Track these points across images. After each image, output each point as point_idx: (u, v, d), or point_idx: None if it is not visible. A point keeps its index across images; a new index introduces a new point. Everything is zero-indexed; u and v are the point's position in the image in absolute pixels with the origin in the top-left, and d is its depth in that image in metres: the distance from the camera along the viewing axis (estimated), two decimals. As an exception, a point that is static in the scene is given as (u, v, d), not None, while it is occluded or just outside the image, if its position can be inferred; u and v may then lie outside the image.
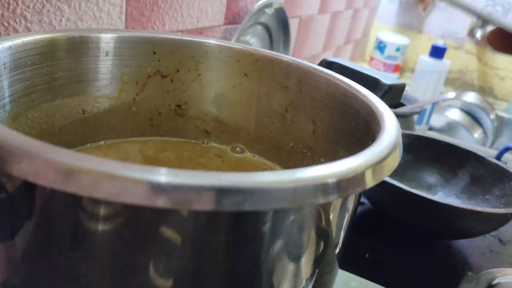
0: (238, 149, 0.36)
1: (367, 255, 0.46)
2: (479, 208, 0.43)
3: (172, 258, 0.17)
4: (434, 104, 1.01)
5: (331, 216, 0.20)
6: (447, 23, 1.38)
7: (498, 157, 0.60)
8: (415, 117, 0.96)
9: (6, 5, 0.33)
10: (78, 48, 0.30)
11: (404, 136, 0.60)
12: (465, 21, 1.35)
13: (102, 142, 0.34)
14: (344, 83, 0.29)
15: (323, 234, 0.20)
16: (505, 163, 0.57)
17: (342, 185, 0.17)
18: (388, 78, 0.31)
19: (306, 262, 0.20)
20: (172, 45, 0.34)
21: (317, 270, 0.21)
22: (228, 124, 0.36)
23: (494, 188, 0.53)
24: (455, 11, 1.35)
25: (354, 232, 0.48)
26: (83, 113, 0.32)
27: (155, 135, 0.36)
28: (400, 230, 0.51)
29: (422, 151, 0.60)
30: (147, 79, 0.34)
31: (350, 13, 1.17)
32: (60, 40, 0.28)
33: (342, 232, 0.22)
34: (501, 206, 0.50)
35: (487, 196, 0.53)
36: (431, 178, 0.59)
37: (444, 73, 1.16)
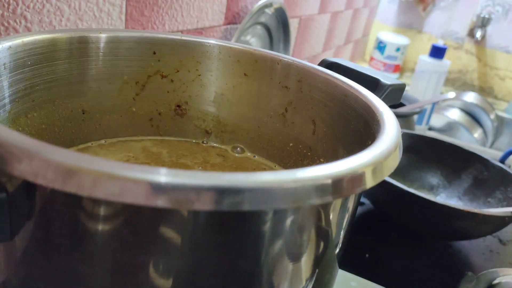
0: (238, 149, 0.36)
1: (367, 255, 0.46)
2: (476, 210, 0.43)
3: (172, 258, 0.17)
4: (434, 104, 1.01)
5: (331, 216, 0.20)
6: (447, 23, 1.38)
7: (502, 160, 0.60)
8: (415, 117, 0.96)
9: (6, 5, 0.33)
10: (78, 48, 0.30)
11: (408, 136, 0.60)
12: (465, 21, 1.35)
13: (103, 141, 0.34)
14: (344, 83, 0.29)
15: (323, 234, 0.20)
16: (509, 167, 0.57)
17: (342, 185, 0.17)
18: (388, 78, 0.31)
19: (306, 262, 0.20)
20: (172, 45, 0.34)
21: (317, 270, 0.21)
22: (228, 124, 0.36)
23: (496, 191, 0.53)
24: (455, 11, 1.35)
25: (354, 232, 0.48)
26: (83, 113, 0.32)
27: (155, 135, 0.36)
28: (400, 230, 0.51)
29: (426, 151, 0.60)
30: (147, 79, 0.34)
31: (350, 13, 1.17)
32: (60, 40, 0.28)
33: (342, 232, 0.22)
34: (502, 209, 0.50)
35: (489, 199, 0.53)
36: (434, 179, 0.59)
37: (444, 73, 1.16)
